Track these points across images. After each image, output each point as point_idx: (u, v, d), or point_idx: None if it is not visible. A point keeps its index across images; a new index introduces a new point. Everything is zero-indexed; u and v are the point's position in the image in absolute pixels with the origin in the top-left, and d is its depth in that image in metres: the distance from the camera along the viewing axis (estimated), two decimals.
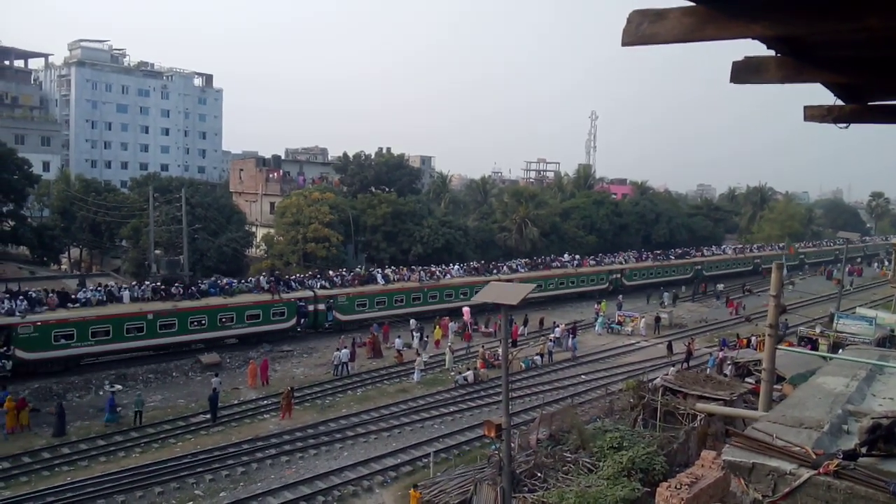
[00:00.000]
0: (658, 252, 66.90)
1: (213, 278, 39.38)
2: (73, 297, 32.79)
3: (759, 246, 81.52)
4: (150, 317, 33.77)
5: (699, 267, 67.21)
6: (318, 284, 41.21)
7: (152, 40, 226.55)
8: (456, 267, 48.62)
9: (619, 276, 59.08)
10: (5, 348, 29.63)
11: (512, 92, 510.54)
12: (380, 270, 44.89)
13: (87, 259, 60.80)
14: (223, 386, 29.35)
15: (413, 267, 47.31)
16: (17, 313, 30.12)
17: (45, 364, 30.87)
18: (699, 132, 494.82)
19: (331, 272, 43.51)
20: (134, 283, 37.23)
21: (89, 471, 21.80)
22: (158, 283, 36.38)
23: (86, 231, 55.06)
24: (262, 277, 40.45)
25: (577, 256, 58.32)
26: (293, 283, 40.28)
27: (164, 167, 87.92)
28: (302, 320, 39.61)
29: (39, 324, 30.51)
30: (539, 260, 54.81)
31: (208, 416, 26.75)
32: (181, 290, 35.79)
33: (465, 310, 41.67)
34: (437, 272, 46.46)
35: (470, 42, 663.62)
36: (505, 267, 51.31)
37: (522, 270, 51.17)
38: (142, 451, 23.77)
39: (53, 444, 23.82)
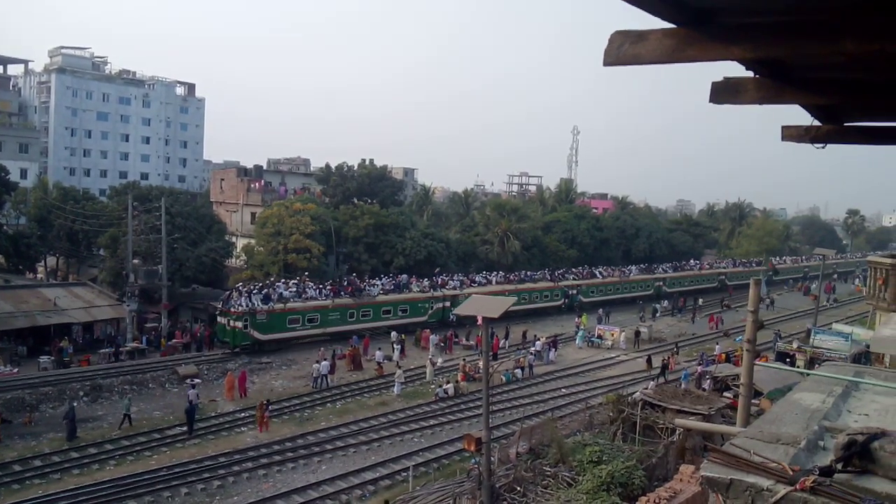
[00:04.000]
0: (744, 260, 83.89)
1: (524, 272, 56.88)
2: (474, 280, 51.68)
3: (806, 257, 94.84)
4: (507, 294, 46.57)
5: (770, 272, 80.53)
6: (571, 276, 58.94)
7: (135, 46, 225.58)
8: (661, 266, 69.09)
9: (724, 277, 75.31)
10: (451, 307, 46.20)
11: (496, 108, 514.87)
12: (594, 268, 63.40)
13: (63, 268, 59.93)
14: (200, 398, 29.03)
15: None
16: (457, 288, 48.50)
17: (465, 318, 44.42)
18: (680, 150, 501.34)
19: (573, 269, 61.63)
20: (494, 273, 55.12)
21: (62, 484, 21.41)
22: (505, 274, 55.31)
23: (63, 239, 54.26)
24: (546, 270, 58.44)
25: (698, 261, 77.12)
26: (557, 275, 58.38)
27: (144, 176, 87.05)
28: (565, 300, 56.52)
29: (465, 295, 43.42)
30: (677, 263, 73.84)
31: (185, 428, 26.42)
32: (517, 277, 54.51)
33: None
34: (631, 269, 66.68)
35: (455, 59, 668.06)
36: (660, 269, 70.07)
37: (670, 271, 70.33)
38: (116, 463, 23.41)
39: (25, 457, 23.40)
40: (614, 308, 58.47)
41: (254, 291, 39.66)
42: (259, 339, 38.76)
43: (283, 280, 43.16)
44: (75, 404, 27.93)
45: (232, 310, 38.34)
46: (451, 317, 47.30)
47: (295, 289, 41.41)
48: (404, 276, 49.34)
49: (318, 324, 41.42)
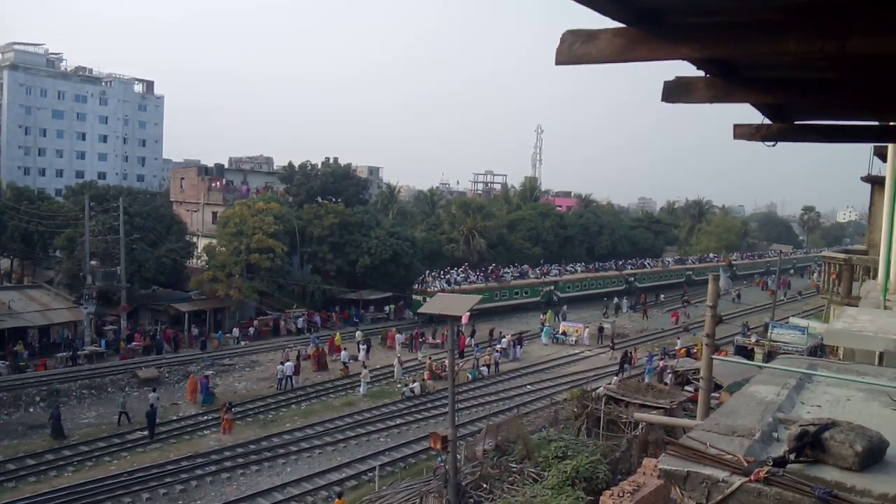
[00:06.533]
0: (749, 253, 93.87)
1: (598, 263, 69.45)
2: (567, 269, 63.93)
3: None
4: (624, 277, 67.81)
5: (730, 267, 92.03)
6: (629, 268, 70.05)
7: (89, 36, 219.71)
8: (691, 258, 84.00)
9: (735, 269, 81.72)
10: (555, 290, 59.64)
11: (462, 109, 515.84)
12: (644, 260, 76.66)
13: (17, 270, 58.30)
14: (161, 401, 28.53)
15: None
16: (557, 275, 61.18)
17: (567, 299, 59.57)
18: (644, 151, 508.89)
19: (629, 261, 72.94)
20: (579, 263, 67.13)
21: (17, 493, 20.85)
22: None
23: (17, 241, 52.64)
24: (613, 262, 70.32)
25: (717, 255, 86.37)
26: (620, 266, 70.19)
27: (102, 175, 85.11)
28: (626, 286, 66.55)
29: (566, 280, 61.76)
30: (704, 256, 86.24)
31: (146, 432, 25.96)
32: (594, 267, 66.69)
33: (466, 314, 41.28)
34: (669, 261, 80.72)
35: (423, 57, 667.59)
36: (689, 260, 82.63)
37: (697, 262, 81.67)
38: (75, 469, 22.90)
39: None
40: (615, 295, 64.96)
41: (439, 277, 52.25)
42: None
43: (454, 268, 55.50)
44: (60, 404, 28.21)
45: (429, 290, 48.68)
46: (555, 298, 59.29)
47: (464, 275, 54.02)
48: (525, 265, 61.10)
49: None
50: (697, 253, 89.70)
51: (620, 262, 71.16)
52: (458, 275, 54.45)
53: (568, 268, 65.04)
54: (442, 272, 54.22)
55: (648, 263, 74.90)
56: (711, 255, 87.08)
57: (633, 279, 68.91)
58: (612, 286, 66.34)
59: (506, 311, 54.67)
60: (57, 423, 25.62)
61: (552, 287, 60.02)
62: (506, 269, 58.79)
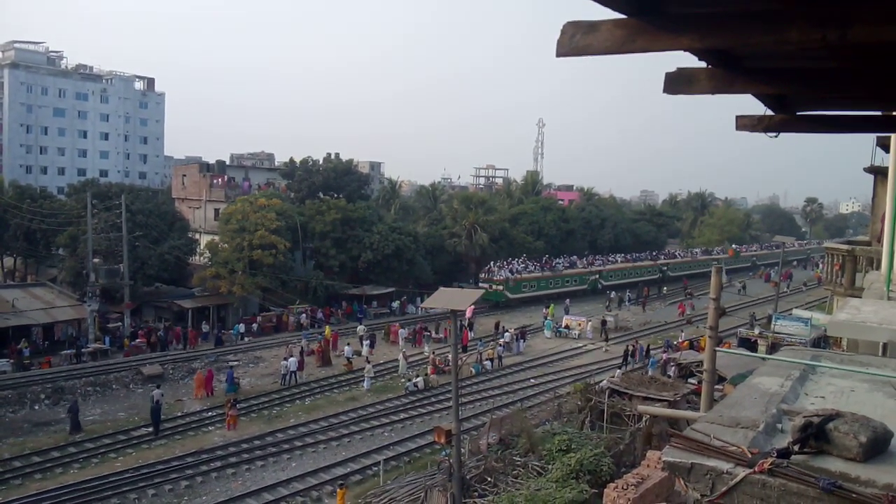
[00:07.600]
0: (768, 244, 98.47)
1: (632, 254, 75.03)
2: (609, 259, 69.65)
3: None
4: (658, 266, 72.87)
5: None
6: (662, 258, 76.17)
7: (90, 33, 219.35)
8: (716, 249, 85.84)
9: (755, 259, 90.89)
10: (600, 279, 64.59)
11: (464, 102, 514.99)
12: (674, 251, 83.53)
13: (21, 269, 58.39)
14: (166, 397, 28.60)
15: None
16: (601, 265, 65.90)
17: (609, 286, 63.78)
18: (646, 145, 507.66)
19: (661, 252, 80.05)
20: (619, 254, 73.11)
21: (23, 489, 20.93)
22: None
23: (20, 239, 52.73)
24: (647, 253, 76.64)
25: (737, 246, 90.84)
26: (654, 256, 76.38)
27: (104, 173, 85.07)
28: (659, 274, 72.08)
29: (609, 269, 66.64)
30: (768, 245, 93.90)
31: (150, 429, 26.03)
32: (630, 258, 72.10)
33: (470, 308, 40.71)
34: (697, 251, 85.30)
35: (423, 52, 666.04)
36: (715, 251, 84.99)
37: (724, 254, 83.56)
38: (80, 466, 22.98)
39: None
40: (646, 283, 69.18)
41: (503, 266, 57.56)
42: (510, 297, 55.69)
43: (515, 259, 60.51)
44: (78, 398, 28.60)
45: (495, 278, 55.02)
46: (599, 285, 64.50)
47: (524, 265, 59.76)
48: (574, 256, 66.60)
49: (536, 288, 58.61)
50: (701, 245, 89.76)
51: (654, 253, 77.34)
52: (518, 264, 59.64)
53: (609, 258, 71.12)
54: (505, 262, 58.97)
55: (679, 254, 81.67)
56: (734, 246, 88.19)
57: (666, 268, 74.43)
58: (648, 275, 71.43)
59: (558, 297, 58.20)
60: (75, 417, 25.90)
61: (597, 276, 65.03)
62: (557, 260, 63.89)
